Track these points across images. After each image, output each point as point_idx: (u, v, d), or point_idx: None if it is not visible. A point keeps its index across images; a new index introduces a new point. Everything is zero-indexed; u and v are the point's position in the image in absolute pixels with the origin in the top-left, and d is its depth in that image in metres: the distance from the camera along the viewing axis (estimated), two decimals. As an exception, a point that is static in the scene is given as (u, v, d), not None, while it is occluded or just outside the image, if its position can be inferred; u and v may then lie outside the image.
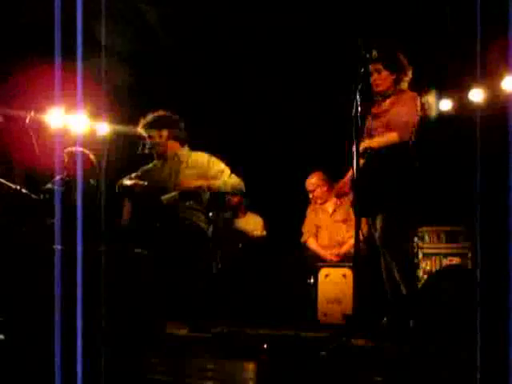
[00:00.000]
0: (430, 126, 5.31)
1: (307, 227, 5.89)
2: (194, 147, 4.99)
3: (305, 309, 5.36)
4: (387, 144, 4.19)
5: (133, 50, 6.22)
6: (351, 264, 4.97)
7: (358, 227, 3.82)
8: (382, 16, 5.78)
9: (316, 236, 5.84)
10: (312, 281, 5.50)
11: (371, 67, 4.23)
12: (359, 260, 3.83)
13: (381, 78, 4.29)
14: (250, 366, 3.55)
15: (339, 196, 4.95)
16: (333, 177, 5.68)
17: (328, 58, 6.13)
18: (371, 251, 4.63)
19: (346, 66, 4.00)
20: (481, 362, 2.98)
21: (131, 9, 5.90)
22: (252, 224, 6.79)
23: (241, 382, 3.29)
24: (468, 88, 6.36)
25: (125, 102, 6.20)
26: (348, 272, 5.24)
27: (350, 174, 4.30)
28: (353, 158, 3.85)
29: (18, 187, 4.18)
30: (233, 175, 4.82)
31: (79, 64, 2.86)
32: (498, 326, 3.25)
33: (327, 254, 5.62)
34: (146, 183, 4.73)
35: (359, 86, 3.90)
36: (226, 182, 4.78)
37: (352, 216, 4.61)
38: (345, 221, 5.69)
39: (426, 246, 6.52)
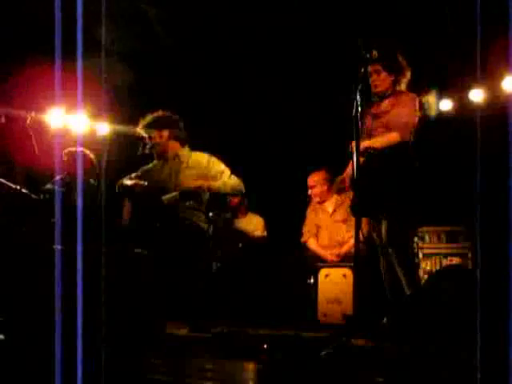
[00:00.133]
0: (430, 125, 5.31)
1: (307, 227, 5.89)
2: (194, 147, 4.99)
3: (305, 309, 5.36)
4: (388, 144, 4.21)
5: (133, 49, 6.22)
6: (351, 264, 4.97)
7: (358, 227, 3.82)
8: (381, 16, 5.78)
9: (316, 236, 5.84)
10: (312, 281, 5.50)
11: (370, 68, 4.24)
12: (359, 260, 3.83)
13: (380, 79, 4.31)
14: (250, 366, 3.55)
15: (339, 192, 4.95)
16: (334, 177, 5.69)
17: (328, 58, 6.14)
18: (371, 251, 4.63)
19: (346, 66, 4.00)
20: (481, 362, 2.98)
21: (131, 9, 5.90)
22: (253, 224, 6.79)
23: (241, 382, 3.29)
24: (468, 88, 6.36)
25: (125, 102, 6.20)
26: (348, 272, 5.24)
27: (348, 169, 4.31)
28: (352, 158, 3.86)
29: (19, 187, 4.18)
30: (233, 176, 4.83)
31: (79, 64, 2.86)
32: (498, 326, 3.25)
33: (327, 254, 5.62)
34: (146, 183, 4.73)
35: (359, 87, 3.91)
36: (225, 183, 4.78)
37: (352, 216, 4.61)
38: (345, 221, 5.69)
39: (426, 246, 6.53)
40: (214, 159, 4.87)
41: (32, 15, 5.47)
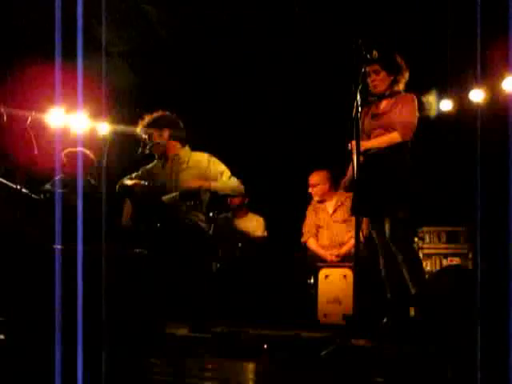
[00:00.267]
0: (430, 126, 5.31)
1: (307, 227, 5.88)
2: (195, 147, 4.99)
3: (305, 309, 5.35)
4: (389, 144, 4.22)
5: (133, 49, 6.23)
6: (351, 264, 4.97)
7: (358, 227, 3.82)
8: (382, 16, 5.78)
9: (316, 236, 5.84)
10: (312, 281, 5.50)
11: (369, 68, 4.24)
12: (359, 260, 3.83)
13: (379, 79, 4.31)
14: (250, 366, 3.55)
15: (346, 190, 4.93)
16: (335, 176, 5.70)
17: (328, 59, 6.13)
18: (371, 251, 4.63)
19: (346, 66, 4.00)
20: (481, 362, 2.98)
21: (132, 9, 5.90)
22: (253, 224, 6.79)
23: (241, 382, 3.29)
24: (468, 88, 6.36)
25: (125, 102, 6.20)
26: (348, 272, 5.24)
27: (350, 169, 4.31)
28: (352, 158, 3.86)
29: (19, 187, 4.17)
30: (232, 177, 4.82)
31: (79, 64, 2.86)
32: (498, 326, 3.25)
33: (327, 255, 5.62)
34: (146, 183, 4.73)
35: (359, 87, 3.91)
36: (225, 184, 4.78)
37: (352, 216, 4.61)
38: (345, 221, 5.68)
39: (426, 246, 6.52)
40: (214, 159, 4.87)
41: (32, 15, 5.47)
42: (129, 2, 5.79)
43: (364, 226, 4.78)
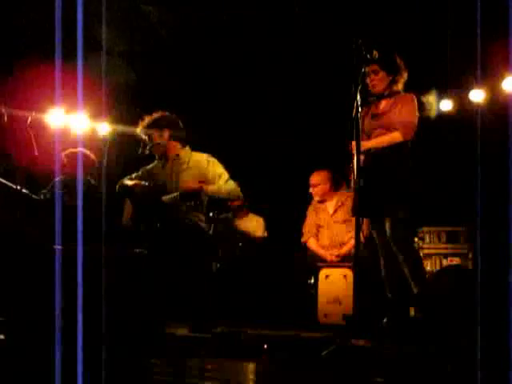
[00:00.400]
0: (430, 126, 5.31)
1: (307, 227, 5.88)
2: (195, 147, 4.99)
3: (305, 309, 5.35)
4: (390, 143, 4.21)
5: (133, 49, 6.23)
6: (351, 264, 4.97)
7: (358, 228, 3.82)
8: (382, 16, 5.78)
9: (316, 236, 5.84)
10: (312, 281, 5.49)
11: (368, 68, 4.24)
12: (359, 260, 3.83)
13: (378, 79, 4.31)
14: (250, 367, 3.55)
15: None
16: (335, 176, 5.71)
17: (328, 59, 6.14)
18: (371, 252, 4.63)
19: (346, 66, 4.00)
20: (481, 362, 2.98)
21: (132, 9, 5.90)
22: (253, 225, 6.79)
23: (241, 383, 3.29)
24: (468, 88, 6.36)
25: (125, 102, 6.20)
26: (348, 272, 5.23)
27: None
28: (352, 159, 3.86)
29: (19, 187, 4.17)
30: (230, 180, 4.82)
31: (79, 64, 2.86)
32: (498, 326, 3.25)
33: (327, 255, 5.61)
34: (146, 183, 4.73)
35: (359, 87, 3.91)
36: (220, 187, 4.77)
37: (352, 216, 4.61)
38: (345, 221, 5.68)
39: (426, 246, 6.53)
40: (213, 161, 4.86)
41: (32, 15, 5.47)
42: (129, 1, 5.79)
43: (364, 226, 4.77)
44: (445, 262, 6.44)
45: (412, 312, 4.51)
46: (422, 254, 6.38)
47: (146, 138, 4.85)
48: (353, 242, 4.09)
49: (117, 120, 6.03)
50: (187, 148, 4.94)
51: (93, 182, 5.05)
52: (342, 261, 5.52)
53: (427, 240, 6.52)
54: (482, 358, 3.01)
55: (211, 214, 5.23)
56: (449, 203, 6.32)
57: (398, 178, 4.19)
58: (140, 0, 5.96)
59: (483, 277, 4.11)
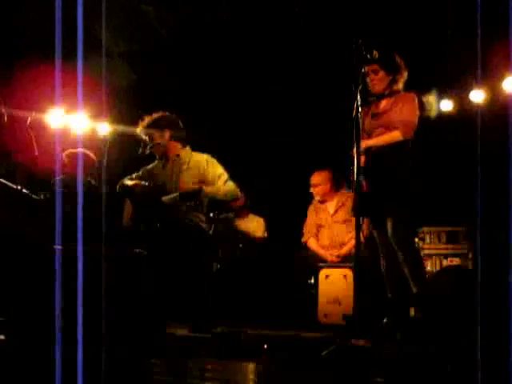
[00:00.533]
0: (430, 126, 5.31)
1: (308, 227, 5.88)
2: (195, 148, 4.99)
3: (305, 309, 5.35)
4: (390, 142, 4.20)
5: (133, 49, 6.22)
6: (352, 264, 4.97)
7: (358, 228, 3.82)
8: (382, 16, 5.78)
9: (317, 236, 5.84)
10: (312, 281, 5.49)
11: (367, 68, 4.23)
12: (359, 261, 3.83)
13: (377, 79, 4.31)
14: (251, 367, 3.55)
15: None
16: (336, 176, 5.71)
17: (328, 59, 6.14)
18: (371, 252, 4.63)
19: (346, 66, 4.00)
20: (481, 362, 2.98)
21: (132, 9, 5.90)
22: (254, 225, 6.79)
23: (241, 383, 3.29)
24: (468, 88, 6.36)
25: (125, 102, 6.20)
26: (348, 272, 5.23)
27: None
28: (353, 159, 3.86)
29: (19, 187, 4.17)
30: (229, 181, 4.81)
31: (79, 64, 2.86)
32: (498, 326, 3.25)
33: (327, 255, 5.61)
34: (146, 183, 4.73)
35: (359, 87, 3.91)
36: (218, 189, 4.77)
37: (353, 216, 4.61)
38: (346, 221, 5.68)
39: (426, 246, 6.53)
40: (212, 161, 4.86)
41: (32, 15, 5.47)
42: (129, 2, 5.79)
43: (364, 226, 4.77)
44: (445, 263, 6.44)
45: (412, 312, 4.51)
46: (422, 255, 6.37)
47: (147, 138, 4.85)
48: (353, 242, 4.09)
49: (117, 120, 6.03)
50: (187, 148, 4.94)
51: (93, 182, 5.05)
52: (342, 261, 5.52)
53: (427, 240, 6.52)
54: (482, 358, 3.01)
55: (211, 215, 5.22)
56: (449, 203, 6.32)
57: (398, 178, 4.19)
58: (140, 0, 5.95)
59: (483, 277, 4.11)
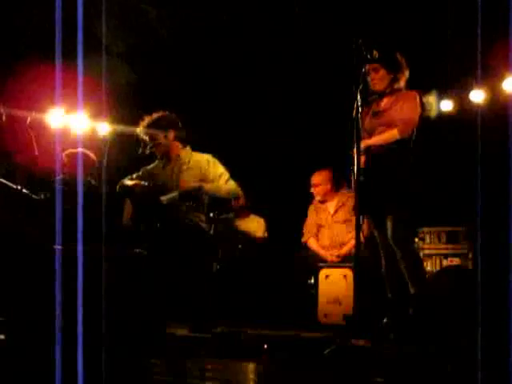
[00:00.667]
0: (430, 126, 5.31)
1: (308, 227, 5.88)
2: (195, 147, 4.99)
3: (305, 309, 5.35)
4: (388, 141, 4.18)
5: (133, 49, 6.22)
6: (352, 264, 4.96)
7: (358, 227, 3.82)
8: (382, 16, 5.78)
9: (317, 236, 5.84)
10: (312, 281, 5.49)
11: (368, 66, 4.22)
12: (360, 261, 3.83)
13: (378, 77, 4.28)
14: (251, 367, 3.55)
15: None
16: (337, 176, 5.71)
17: (328, 59, 6.14)
18: (372, 252, 4.63)
19: (346, 66, 4.00)
20: (481, 362, 2.98)
21: (132, 9, 5.90)
22: (254, 226, 6.79)
23: (241, 382, 3.29)
24: (469, 88, 6.37)
25: (125, 102, 6.20)
26: (348, 272, 5.23)
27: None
28: (353, 159, 3.85)
29: (19, 187, 4.17)
30: (230, 180, 4.82)
31: (79, 64, 2.86)
32: (498, 326, 3.25)
33: (327, 255, 5.61)
34: (146, 183, 4.73)
35: (359, 87, 3.90)
36: (220, 187, 4.77)
37: (354, 216, 4.61)
38: (346, 221, 5.68)
39: (426, 246, 6.52)
40: (213, 161, 4.86)
41: (32, 15, 5.47)
42: (129, 2, 5.79)
43: (364, 226, 4.77)
44: (445, 263, 6.43)
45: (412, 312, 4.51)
46: (422, 255, 6.37)
47: (148, 138, 4.84)
48: (353, 242, 4.08)
49: (117, 120, 6.04)
50: (188, 148, 4.94)
51: (93, 182, 5.05)
52: (343, 261, 5.51)
53: (427, 240, 6.52)
54: (482, 358, 3.01)
55: (211, 215, 5.22)
56: (449, 203, 6.32)
57: (398, 178, 4.18)
58: (140, 0, 5.95)
59: (483, 277, 4.11)
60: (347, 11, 5.84)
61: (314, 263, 5.56)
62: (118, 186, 4.88)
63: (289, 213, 6.52)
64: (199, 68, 6.64)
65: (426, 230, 6.51)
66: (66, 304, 2.78)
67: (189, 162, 4.86)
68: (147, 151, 4.87)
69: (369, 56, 4.07)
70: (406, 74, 4.32)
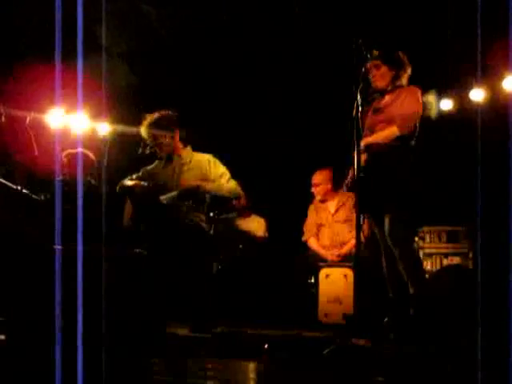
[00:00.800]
0: (430, 125, 5.31)
1: (308, 226, 5.88)
2: (195, 147, 4.99)
3: (305, 309, 5.35)
4: (388, 138, 4.16)
5: (133, 49, 6.22)
6: (352, 264, 4.97)
7: (358, 227, 3.82)
8: (382, 16, 5.78)
9: (317, 235, 5.84)
10: (313, 280, 5.50)
11: (369, 64, 4.20)
12: (360, 260, 3.83)
13: (379, 74, 4.26)
14: (251, 366, 3.55)
15: (349, 190, 4.87)
16: (337, 176, 5.70)
17: (328, 59, 6.14)
18: (372, 251, 4.63)
19: (346, 66, 4.00)
20: (481, 362, 2.98)
21: (132, 9, 5.90)
22: (255, 225, 6.79)
23: (241, 382, 3.29)
24: (468, 88, 6.36)
25: (125, 103, 6.20)
26: (349, 272, 5.23)
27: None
28: (353, 158, 3.85)
29: (19, 187, 4.17)
30: (231, 180, 4.82)
31: (79, 64, 2.86)
32: (498, 325, 3.25)
33: (328, 254, 5.62)
34: (146, 183, 4.73)
35: (359, 87, 3.90)
36: (221, 186, 4.77)
37: (354, 216, 4.60)
38: (346, 221, 5.68)
39: (426, 245, 6.52)
40: (215, 161, 4.86)
41: (32, 15, 5.47)
42: (129, 2, 5.79)
43: (365, 226, 4.77)
44: (445, 262, 6.43)
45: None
46: (422, 254, 6.38)
47: (153, 137, 4.82)
48: (353, 241, 4.08)
49: (117, 120, 6.04)
50: (188, 148, 4.94)
51: (93, 182, 5.05)
52: (343, 260, 5.52)
53: (427, 240, 6.52)
54: (482, 358, 3.01)
55: (211, 214, 5.22)
56: (449, 203, 6.32)
57: (398, 178, 4.17)
58: (140, 0, 5.95)
59: (483, 276, 4.11)
60: (347, 11, 5.84)
61: (314, 263, 5.57)
62: (117, 187, 4.87)
63: (289, 213, 6.52)
64: (199, 68, 6.64)
65: (426, 229, 6.51)
66: (66, 304, 2.78)
67: (190, 161, 4.86)
68: (147, 151, 4.87)
69: (369, 56, 4.06)
70: (408, 71, 4.29)
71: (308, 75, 6.42)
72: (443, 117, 6.54)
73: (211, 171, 4.81)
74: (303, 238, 5.87)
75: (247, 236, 6.61)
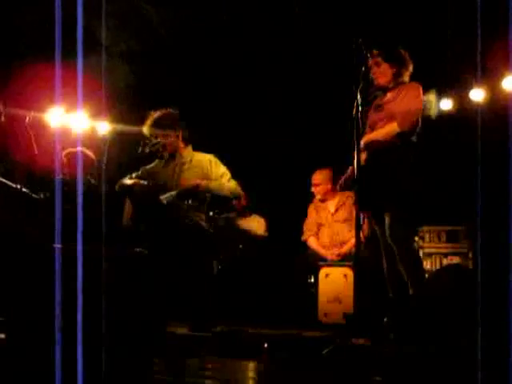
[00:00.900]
0: (430, 125, 5.31)
1: (308, 225, 5.89)
2: (196, 147, 4.99)
3: (305, 308, 5.36)
4: (388, 135, 4.15)
5: (133, 49, 6.22)
6: (352, 263, 4.97)
7: (358, 227, 3.82)
8: (382, 16, 5.78)
9: (317, 235, 5.84)
10: (312, 280, 5.50)
11: (371, 61, 4.19)
12: (360, 260, 3.83)
13: (379, 71, 4.25)
14: (251, 366, 3.55)
15: (342, 189, 4.88)
16: (338, 176, 5.71)
17: (328, 59, 6.14)
18: (372, 251, 4.63)
19: (346, 66, 4.00)
20: (481, 362, 2.98)
21: (132, 8, 5.91)
22: (255, 225, 6.80)
23: (241, 382, 3.30)
24: (468, 87, 6.36)
25: (125, 102, 6.20)
26: (349, 271, 5.24)
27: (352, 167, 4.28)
28: (353, 158, 3.85)
29: (19, 187, 4.17)
30: (232, 180, 4.82)
31: (79, 64, 2.86)
32: (498, 325, 3.25)
33: (328, 254, 5.62)
34: (145, 183, 4.73)
35: (360, 86, 3.89)
36: (222, 185, 4.77)
37: (354, 215, 4.60)
38: (346, 220, 5.69)
39: (426, 245, 6.53)
40: (215, 161, 4.87)
41: (32, 15, 5.47)
42: (129, 2, 5.79)
43: (365, 226, 4.77)
44: (445, 261, 6.44)
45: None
46: (422, 253, 6.38)
47: (153, 136, 4.82)
48: (353, 241, 4.08)
49: (117, 119, 6.03)
50: (189, 147, 4.94)
51: (93, 181, 5.05)
52: (343, 260, 5.52)
53: (427, 239, 6.52)
54: (482, 358, 3.01)
55: (211, 214, 5.22)
56: (449, 203, 6.32)
57: (398, 177, 4.17)
58: (140, 0, 5.96)
59: (483, 276, 4.11)
60: (347, 11, 5.84)
61: (314, 262, 5.57)
62: (117, 186, 4.88)
63: (289, 212, 6.52)
64: (199, 68, 6.64)
65: (425, 228, 6.52)
66: (66, 304, 2.78)
67: (190, 161, 4.86)
68: (147, 150, 4.86)
69: (369, 55, 4.06)
70: (410, 68, 4.27)
71: (308, 75, 6.42)
72: (443, 117, 6.54)
73: (212, 171, 4.81)
74: (303, 238, 5.87)
75: (247, 235, 6.62)
